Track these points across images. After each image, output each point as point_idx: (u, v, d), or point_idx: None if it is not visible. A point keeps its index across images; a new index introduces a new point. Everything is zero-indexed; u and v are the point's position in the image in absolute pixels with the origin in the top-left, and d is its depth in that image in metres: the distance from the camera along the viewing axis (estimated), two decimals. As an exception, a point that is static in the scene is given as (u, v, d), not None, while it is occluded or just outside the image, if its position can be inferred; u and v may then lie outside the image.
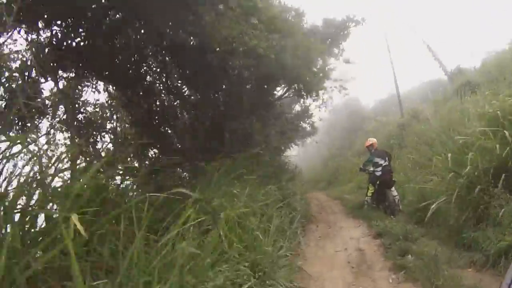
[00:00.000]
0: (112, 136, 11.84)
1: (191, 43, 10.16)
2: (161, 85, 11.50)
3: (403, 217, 10.56)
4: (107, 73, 10.45)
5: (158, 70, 11.42)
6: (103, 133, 11.81)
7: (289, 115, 22.38)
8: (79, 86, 11.22)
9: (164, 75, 11.11)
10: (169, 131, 12.19)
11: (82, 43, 9.53)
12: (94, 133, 11.55)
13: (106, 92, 11.82)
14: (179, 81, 12.01)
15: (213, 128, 10.98)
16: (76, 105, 11.22)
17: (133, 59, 10.49)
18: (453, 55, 55.54)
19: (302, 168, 37.28)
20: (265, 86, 12.90)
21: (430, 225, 8.84)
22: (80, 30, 9.49)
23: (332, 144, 37.80)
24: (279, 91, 15.52)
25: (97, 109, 11.91)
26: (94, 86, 11.31)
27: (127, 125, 12.30)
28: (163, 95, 11.71)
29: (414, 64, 66.10)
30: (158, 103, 11.82)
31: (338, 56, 15.62)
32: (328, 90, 15.86)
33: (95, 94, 11.74)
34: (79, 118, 11.37)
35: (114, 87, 11.58)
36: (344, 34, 15.36)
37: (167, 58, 11.23)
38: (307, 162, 44.81)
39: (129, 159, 11.47)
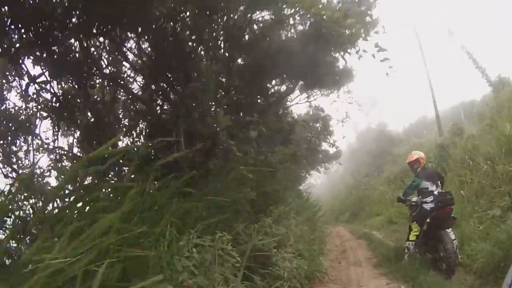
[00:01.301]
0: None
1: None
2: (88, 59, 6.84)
3: (468, 279, 6.27)
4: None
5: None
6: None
7: (307, 135, 18.08)
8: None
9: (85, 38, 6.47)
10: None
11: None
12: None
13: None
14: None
15: (162, 128, 6.59)
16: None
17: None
18: (491, 64, 48.93)
19: (323, 197, 33.15)
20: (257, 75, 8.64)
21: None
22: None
23: (358, 171, 32.92)
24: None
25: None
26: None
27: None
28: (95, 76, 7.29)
29: (452, 77, 59.13)
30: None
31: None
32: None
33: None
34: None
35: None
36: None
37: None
38: (330, 191, 40.22)
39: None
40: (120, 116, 7.66)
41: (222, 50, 7.79)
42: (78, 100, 6.78)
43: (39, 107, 6.79)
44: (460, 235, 7.64)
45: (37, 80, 6.20)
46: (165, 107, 7.08)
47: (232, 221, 4.98)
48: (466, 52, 21.98)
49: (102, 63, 6.99)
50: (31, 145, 6.76)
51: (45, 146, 7.13)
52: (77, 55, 6.48)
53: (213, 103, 6.66)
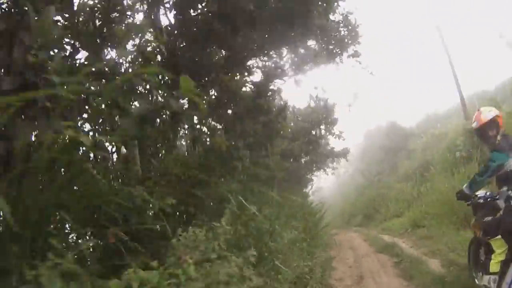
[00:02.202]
0: None
1: None
2: None
3: None
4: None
5: None
6: None
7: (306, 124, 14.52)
8: None
9: None
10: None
11: None
12: None
13: None
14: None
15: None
16: None
17: None
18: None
19: (333, 200, 29.26)
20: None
21: None
22: None
23: (368, 170, 28.97)
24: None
25: None
26: None
27: None
28: None
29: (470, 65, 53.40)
30: None
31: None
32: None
33: None
34: None
35: None
36: None
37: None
38: (340, 193, 36.45)
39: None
40: None
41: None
42: None
43: None
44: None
45: None
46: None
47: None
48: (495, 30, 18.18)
49: None
50: None
51: None
52: None
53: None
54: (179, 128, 4.50)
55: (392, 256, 8.18)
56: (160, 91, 2.83)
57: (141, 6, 5.32)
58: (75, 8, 3.25)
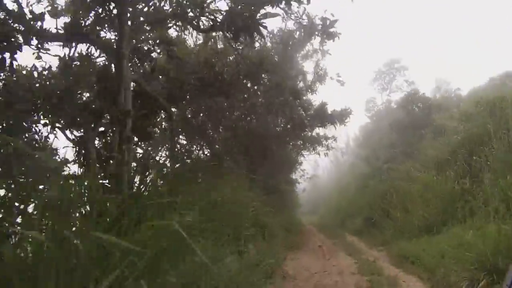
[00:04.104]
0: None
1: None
2: None
3: None
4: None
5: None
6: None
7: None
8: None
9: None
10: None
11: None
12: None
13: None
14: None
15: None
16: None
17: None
18: None
19: (327, 193, 22.52)
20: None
21: None
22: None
23: (375, 157, 21.31)
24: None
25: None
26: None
27: None
28: None
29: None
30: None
31: None
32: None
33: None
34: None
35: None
36: None
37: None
38: (337, 185, 29.15)
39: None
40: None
41: None
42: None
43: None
44: None
45: None
46: None
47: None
48: None
49: None
50: None
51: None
52: None
53: None
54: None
55: None
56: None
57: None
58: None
